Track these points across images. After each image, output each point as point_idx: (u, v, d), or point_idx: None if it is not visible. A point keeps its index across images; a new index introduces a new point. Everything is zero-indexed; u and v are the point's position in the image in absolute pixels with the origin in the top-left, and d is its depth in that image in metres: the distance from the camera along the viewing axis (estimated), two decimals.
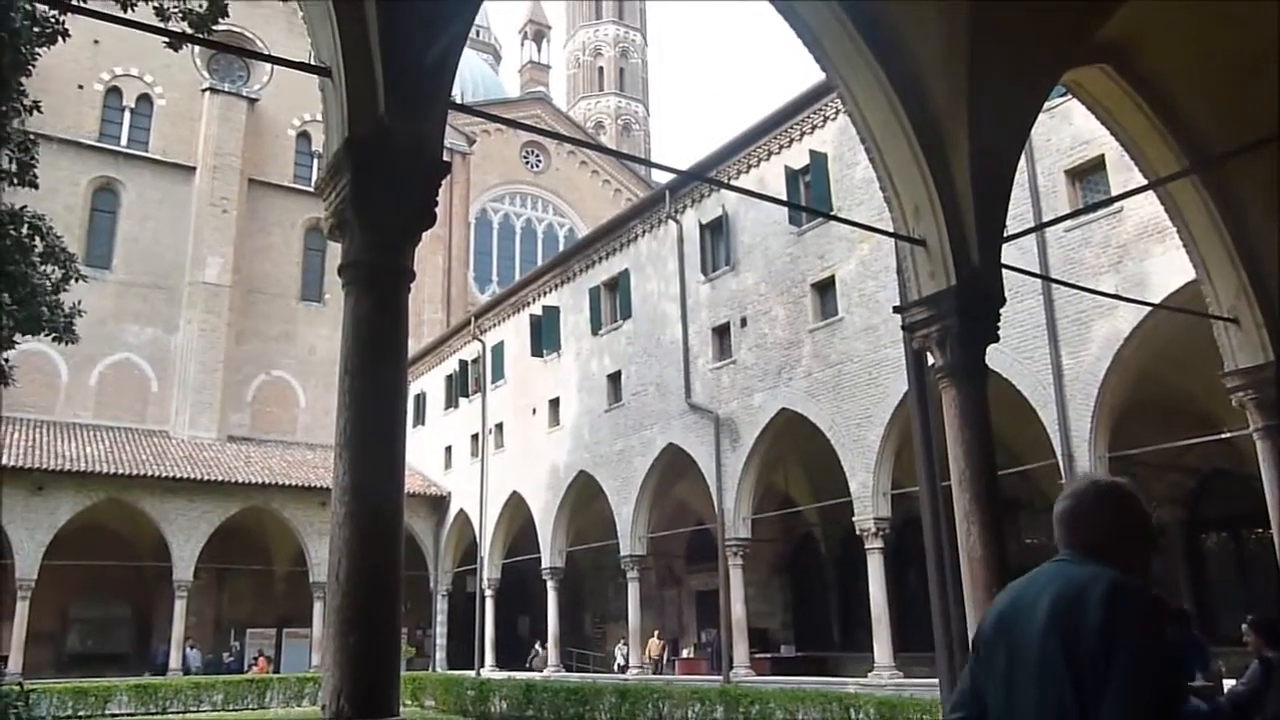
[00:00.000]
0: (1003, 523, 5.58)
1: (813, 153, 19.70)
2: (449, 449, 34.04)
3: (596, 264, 26.61)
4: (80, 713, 23.16)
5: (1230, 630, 11.52)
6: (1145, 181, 7.41)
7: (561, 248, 41.75)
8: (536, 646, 30.67)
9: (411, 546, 32.03)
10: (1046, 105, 9.50)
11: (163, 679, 26.85)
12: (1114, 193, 13.58)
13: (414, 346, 33.84)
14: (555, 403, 27.79)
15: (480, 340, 31.99)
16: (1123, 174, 13.35)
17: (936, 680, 7.32)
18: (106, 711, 24.01)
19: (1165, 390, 15.52)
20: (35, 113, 12.62)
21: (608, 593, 31.71)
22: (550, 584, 27.37)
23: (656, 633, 27.09)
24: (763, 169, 21.14)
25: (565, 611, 28.49)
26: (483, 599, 30.55)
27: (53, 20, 11.65)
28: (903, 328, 6.08)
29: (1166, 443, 14.54)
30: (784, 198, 19.39)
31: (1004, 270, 5.90)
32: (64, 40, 11.95)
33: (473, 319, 33.06)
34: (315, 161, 40.61)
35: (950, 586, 6.55)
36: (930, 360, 5.99)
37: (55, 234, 13.70)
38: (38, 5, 11.23)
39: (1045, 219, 14.05)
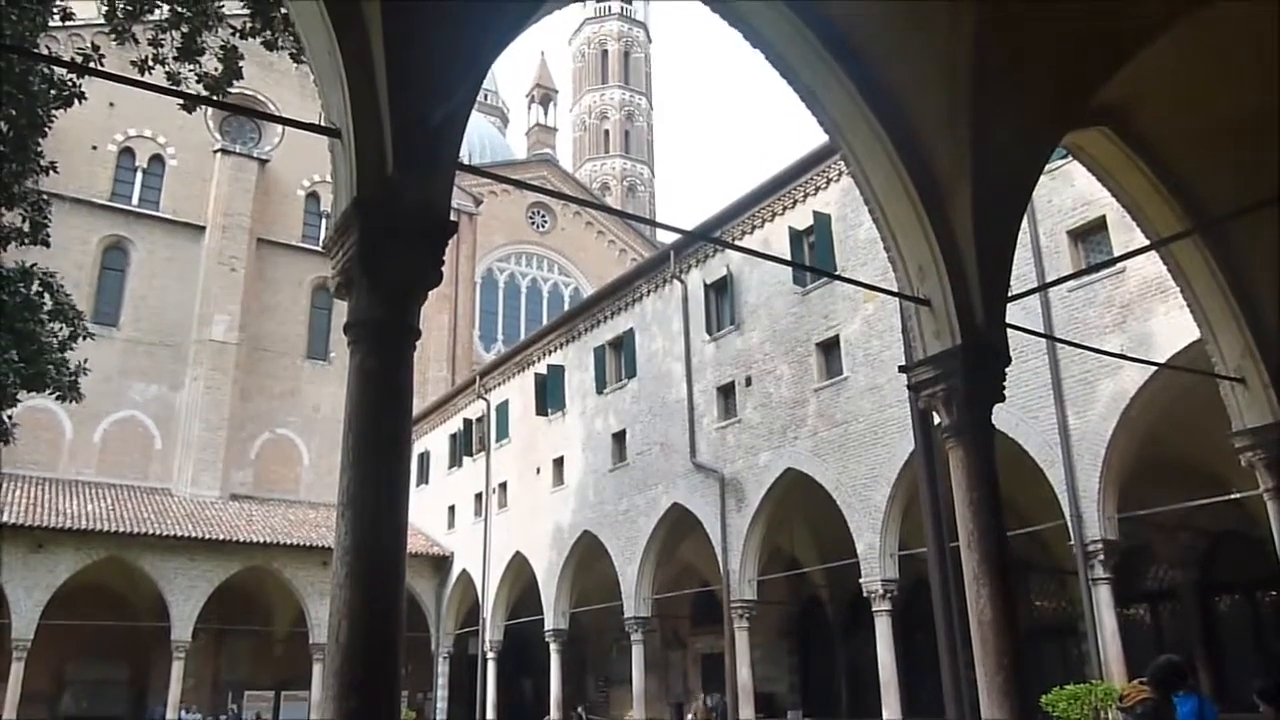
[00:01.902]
0: (1013, 585, 5.51)
1: (816, 214, 19.86)
2: (452, 508, 33.83)
3: (601, 323, 26.69)
4: None
5: (1246, 696, 11.32)
6: (1147, 242, 7.45)
7: (566, 307, 41.91)
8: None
9: (413, 607, 31.69)
10: (1048, 167, 9.59)
11: None
12: (1116, 253, 13.64)
13: (418, 405, 33.82)
14: (560, 462, 27.67)
15: (485, 399, 31.98)
16: (1124, 234, 13.43)
17: None
18: None
19: (1174, 450, 15.42)
20: (51, 173, 12.78)
21: (611, 655, 31.24)
22: (553, 646, 27.00)
23: (704, 699, 25.73)
24: (767, 230, 21.30)
25: (568, 674, 28.05)
26: (485, 662, 30.11)
27: (70, 83, 11.85)
28: (909, 387, 6.07)
29: (1176, 503, 14.42)
30: (788, 258, 19.51)
31: (1009, 330, 5.92)
32: (80, 102, 12.15)
33: (478, 378, 33.07)
34: (324, 221, 40.98)
35: (960, 650, 6.45)
36: (936, 420, 5.97)
37: (65, 292, 13.80)
38: (56, 69, 11.44)
39: (1048, 279, 14.11)
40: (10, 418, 13.08)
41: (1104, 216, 14.28)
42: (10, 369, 12.10)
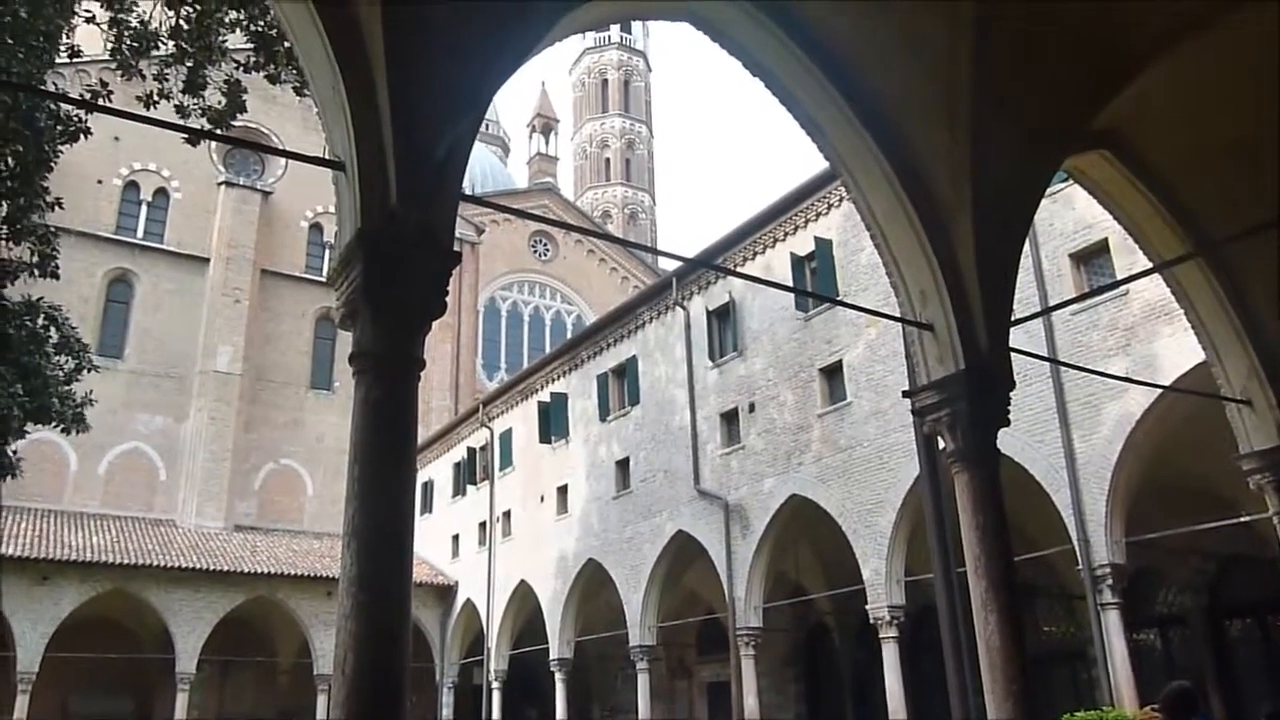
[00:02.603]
0: (1020, 610, 5.48)
1: (818, 239, 19.92)
2: (456, 537, 33.73)
3: (604, 351, 26.72)
4: None
5: None
6: (1150, 265, 7.46)
7: (569, 335, 41.98)
8: None
9: (417, 637, 31.52)
10: (1049, 190, 9.62)
11: None
12: (1119, 275, 13.67)
13: (422, 434, 33.82)
14: (564, 490, 27.61)
15: (488, 427, 31.96)
16: (1127, 257, 13.46)
17: None
18: None
19: (1181, 473, 15.36)
20: (57, 208, 12.86)
21: (616, 684, 31.01)
22: (558, 675, 26.83)
23: None
24: (768, 255, 21.36)
25: (574, 704, 27.84)
26: (489, 691, 29.92)
27: (76, 119, 11.95)
28: (913, 412, 6.07)
29: (1184, 526, 14.35)
30: (790, 284, 19.56)
31: (1012, 354, 5.92)
32: (86, 138, 12.25)
33: (481, 406, 33.08)
34: (326, 252, 41.20)
35: (969, 676, 6.41)
36: (941, 444, 5.96)
37: (70, 324, 13.85)
38: (62, 105, 11.55)
39: (1051, 303, 14.12)
40: (15, 451, 13.09)
41: (1106, 239, 14.31)
42: (15, 402, 12.13)
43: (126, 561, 28.09)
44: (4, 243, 12.77)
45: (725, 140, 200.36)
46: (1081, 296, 13.21)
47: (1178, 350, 12.97)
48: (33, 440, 15.37)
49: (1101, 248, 14.65)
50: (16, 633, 25.94)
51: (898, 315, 6.12)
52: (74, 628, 27.03)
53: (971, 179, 5.60)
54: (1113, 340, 14.36)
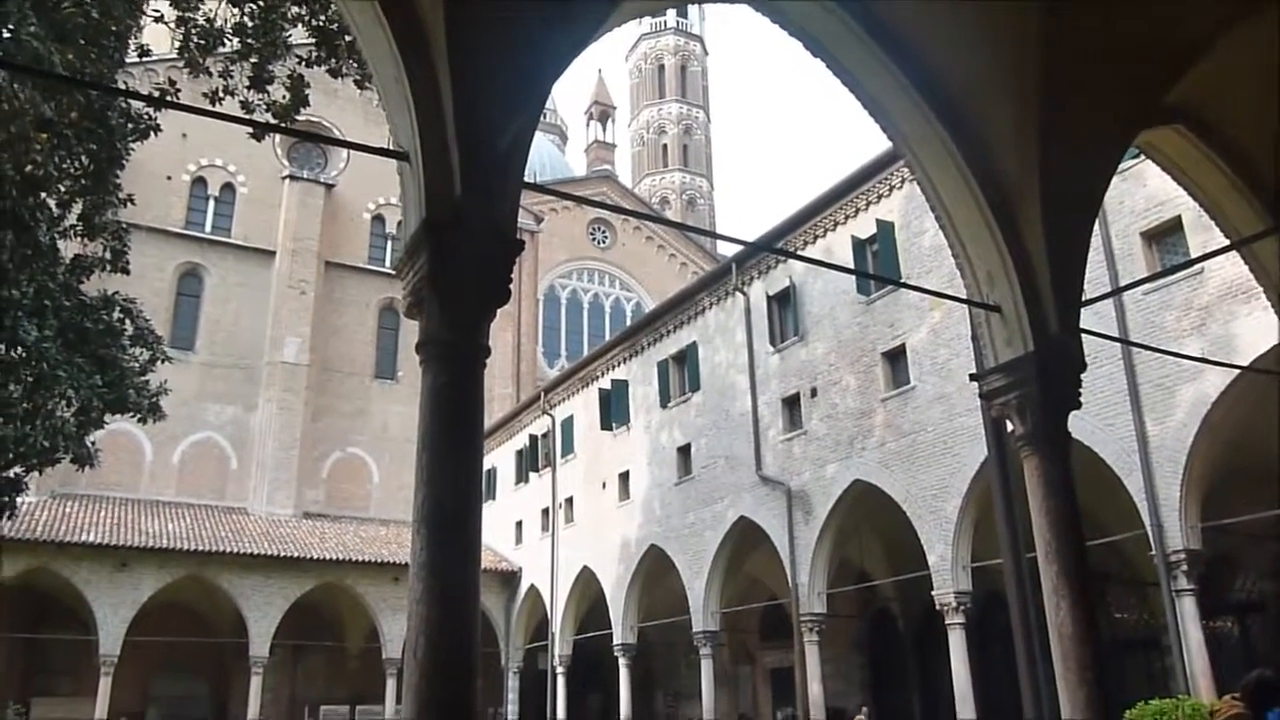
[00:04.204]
0: (1093, 596, 5.37)
1: (879, 221, 19.67)
2: (519, 524, 34.08)
3: (664, 337, 26.72)
4: None
5: None
6: (1227, 242, 7.22)
7: (629, 322, 42.06)
8: None
9: (483, 623, 31.82)
10: (1119, 168, 9.38)
11: None
12: (1193, 254, 13.29)
13: (485, 421, 34.17)
14: (625, 476, 27.72)
15: (550, 415, 32.20)
16: (1202, 234, 13.08)
17: None
18: None
19: (1260, 456, 14.86)
20: (129, 204, 13.21)
21: (680, 670, 31.11)
22: (622, 661, 26.99)
23: (864, 709, 23.83)
24: (829, 239, 21.15)
25: (637, 689, 28.01)
26: (554, 676, 30.22)
27: (146, 117, 12.25)
28: (980, 396, 5.97)
29: (1263, 511, 13.91)
30: (851, 268, 19.36)
31: (1083, 335, 5.79)
32: (156, 135, 12.55)
33: (542, 394, 33.33)
34: (389, 243, 41.81)
35: (1040, 664, 6.31)
36: (1010, 428, 5.86)
37: (144, 317, 14.24)
38: (133, 103, 11.85)
39: (1122, 283, 13.79)
40: (94, 441, 13.50)
41: (1179, 217, 13.92)
42: (95, 393, 12.51)
43: (201, 548, 28.88)
44: (80, 239, 13.17)
45: (784, 124, 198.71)
46: (1154, 276, 12.87)
47: (1256, 330, 12.59)
48: (110, 431, 15.85)
49: (1174, 225, 14.25)
50: (99, 617, 26.84)
51: (964, 297, 6.02)
52: (152, 613, 27.88)
53: (1040, 157, 5.47)
54: (1187, 321, 13.97)
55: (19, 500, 13.51)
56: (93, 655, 26.80)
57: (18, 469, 12.55)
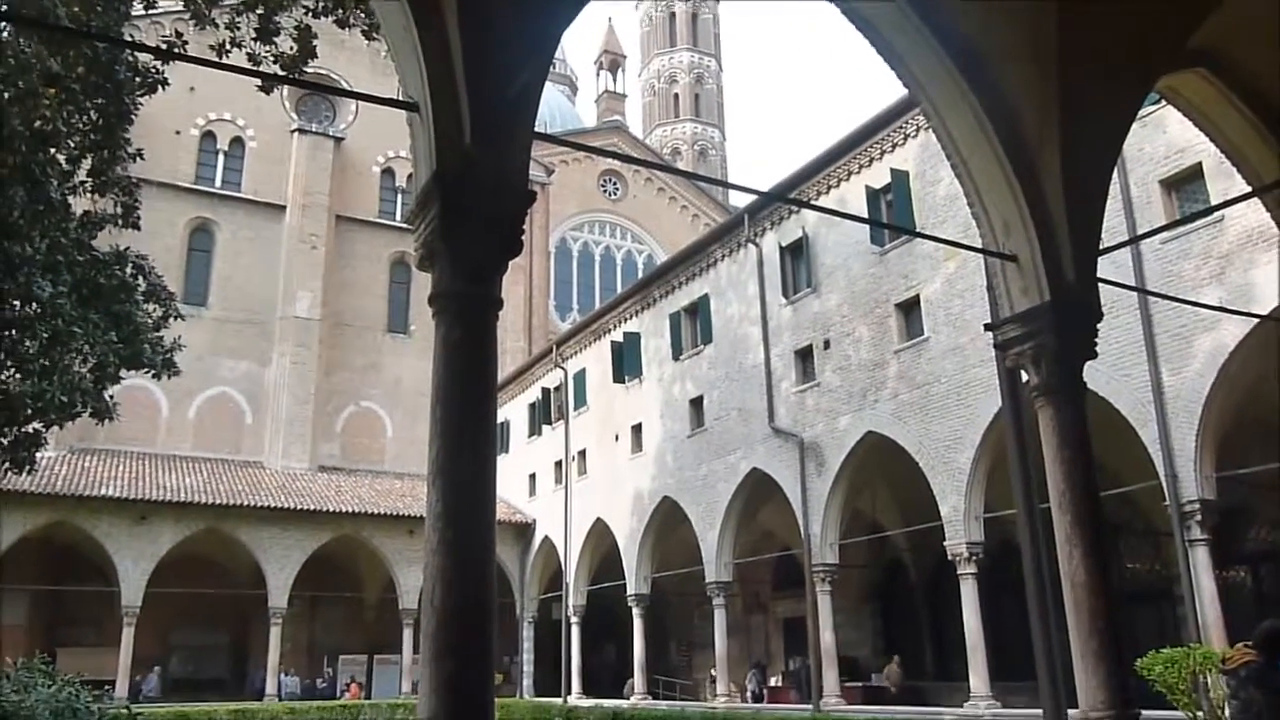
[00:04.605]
0: (1106, 546, 5.38)
1: (894, 171, 19.47)
2: (533, 476, 34.33)
3: (676, 289, 26.64)
4: None
5: None
6: (1248, 189, 7.12)
7: (641, 274, 41.96)
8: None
9: (498, 574, 32.20)
10: (1139, 114, 9.22)
11: (260, 704, 27.44)
12: (1213, 201, 13.11)
13: (498, 375, 34.28)
14: (638, 429, 27.82)
15: (562, 368, 32.26)
16: (1222, 182, 12.91)
17: (1039, 710, 7.05)
18: None
19: (1276, 405, 14.83)
20: (138, 159, 13.16)
21: (693, 620, 31.48)
22: (636, 611, 27.30)
23: (896, 658, 23.99)
24: (843, 189, 20.96)
25: (651, 639, 28.36)
26: (568, 626, 30.61)
27: (153, 70, 12.15)
28: (995, 346, 5.93)
29: (1278, 461, 13.88)
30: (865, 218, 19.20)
31: (1100, 285, 5.73)
32: (163, 89, 12.45)
33: (554, 347, 33.38)
34: (399, 197, 41.68)
35: (1052, 614, 6.32)
36: (1025, 379, 5.83)
37: (156, 274, 14.24)
38: (139, 56, 11.75)
39: (1140, 231, 13.63)
40: (112, 396, 13.58)
41: (1200, 164, 13.73)
42: (110, 349, 12.56)
43: (218, 502, 29.24)
44: (90, 195, 13.14)
45: (797, 72, 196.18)
46: (1173, 224, 12.75)
47: (1276, 278, 12.45)
48: (126, 386, 15.93)
49: (1194, 173, 14.05)
50: (120, 569, 27.27)
51: (979, 246, 5.95)
52: (173, 565, 28.31)
53: (1059, 103, 5.37)
54: (1206, 270, 13.83)
55: (38, 455, 13.61)
56: (115, 607, 27.27)
57: (36, 424, 12.66)
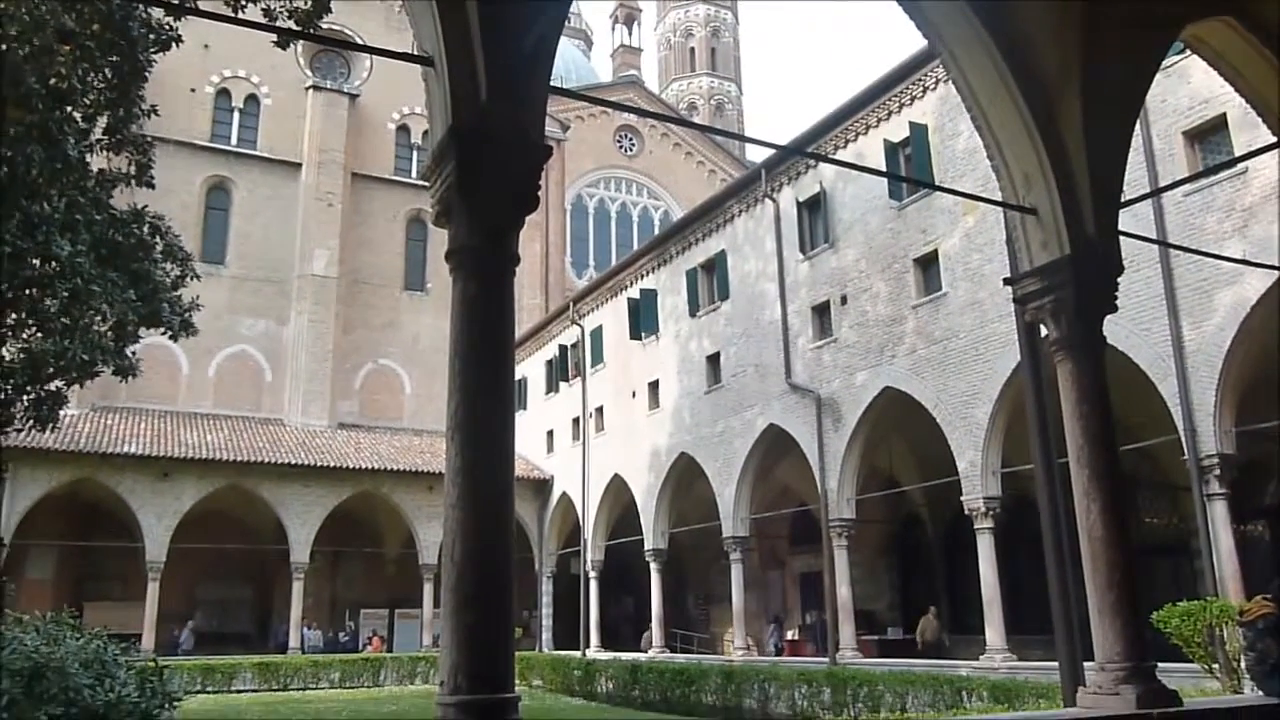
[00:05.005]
0: (1124, 500, 5.38)
1: (912, 124, 19.24)
2: (550, 433, 34.50)
3: (693, 246, 26.53)
4: (208, 688, 24.29)
5: None
6: (1274, 139, 7.01)
7: (657, 231, 41.75)
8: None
9: (516, 529, 32.53)
10: (1163, 64, 9.06)
11: (283, 657, 27.96)
12: (1237, 153, 12.91)
13: (515, 330, 34.36)
14: (655, 385, 27.86)
15: (579, 325, 32.28)
16: (1247, 133, 12.70)
17: (1055, 663, 7.11)
18: (232, 687, 25.15)
19: None
20: (153, 116, 13.14)
21: (710, 574, 31.73)
22: (653, 565, 27.53)
23: (932, 610, 23.18)
24: (860, 143, 20.74)
25: (668, 593, 28.63)
26: (587, 580, 30.92)
27: (167, 27, 12.10)
28: (1014, 300, 5.90)
29: None
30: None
31: (1120, 238, 5.68)
32: (177, 46, 12.40)
33: (571, 304, 33.37)
34: (415, 154, 41.50)
35: (1069, 568, 6.35)
36: (1043, 333, 5.80)
37: (173, 233, 14.26)
38: (153, 12, 11.69)
39: (1162, 184, 13.45)
40: (134, 353, 13.67)
41: (1224, 115, 13.51)
42: (129, 307, 12.63)
43: (240, 459, 29.54)
44: (105, 153, 13.14)
45: (814, 24, 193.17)
46: (1195, 176, 12.57)
47: None
48: (146, 345, 16.01)
49: (1219, 124, 13.83)
50: (144, 526, 27.67)
51: (999, 199, 5.90)
52: (196, 521, 28.69)
53: (1082, 53, 5.29)
54: (1229, 223, 13.65)
55: (61, 413, 13.75)
56: (140, 562, 27.72)
57: (59, 382, 12.77)
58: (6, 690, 6.19)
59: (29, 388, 12.34)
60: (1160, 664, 5.26)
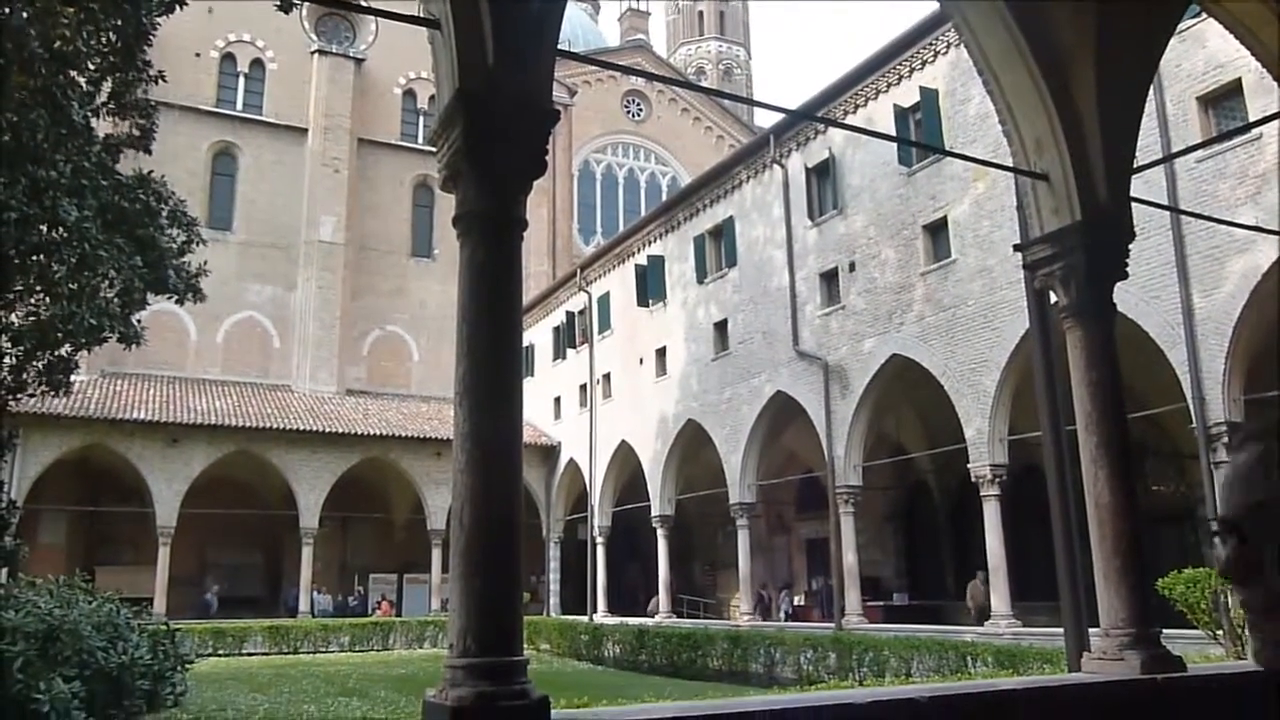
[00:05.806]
0: (1132, 468, 5.37)
1: (923, 89, 19.07)
2: (558, 400, 34.57)
3: (700, 212, 26.42)
4: (219, 651, 24.58)
5: None
6: None
7: (664, 197, 41.55)
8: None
9: (524, 495, 32.67)
10: (1178, 27, 8.94)
11: (294, 621, 28.25)
12: (1252, 118, 12.77)
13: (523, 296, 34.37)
14: (662, 352, 27.87)
15: (586, 291, 32.25)
16: (1262, 98, 12.56)
17: (1060, 629, 7.14)
18: (243, 651, 25.43)
19: None
20: (159, 81, 13.06)
21: (717, 540, 31.92)
22: (660, 532, 27.68)
23: (980, 575, 21.83)
24: (870, 109, 20.57)
25: (675, 559, 28.80)
26: (594, 546, 31.12)
27: None
28: (1024, 266, 5.86)
29: None
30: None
31: (1133, 204, 5.62)
32: (181, 8, 12.29)
33: (578, 270, 33.32)
34: (421, 119, 41.29)
35: (1075, 535, 6.36)
36: (1053, 300, 5.77)
37: (179, 198, 14.23)
38: None
39: (1175, 149, 13.33)
40: (140, 320, 13.69)
41: (1239, 80, 13.36)
42: (136, 273, 12.63)
43: (248, 424, 29.69)
44: (110, 118, 13.08)
45: None
46: (1209, 141, 12.44)
47: None
48: (154, 311, 16.07)
49: (1234, 89, 13.67)
50: (154, 490, 27.87)
51: (1010, 165, 5.85)
52: (206, 487, 28.89)
53: (1096, 15, 5.21)
54: (1242, 190, 13.54)
55: (71, 379, 13.80)
56: (150, 527, 27.94)
57: (68, 347, 12.81)
58: (21, 652, 6.25)
59: (39, 353, 12.39)
60: (1165, 630, 5.28)
